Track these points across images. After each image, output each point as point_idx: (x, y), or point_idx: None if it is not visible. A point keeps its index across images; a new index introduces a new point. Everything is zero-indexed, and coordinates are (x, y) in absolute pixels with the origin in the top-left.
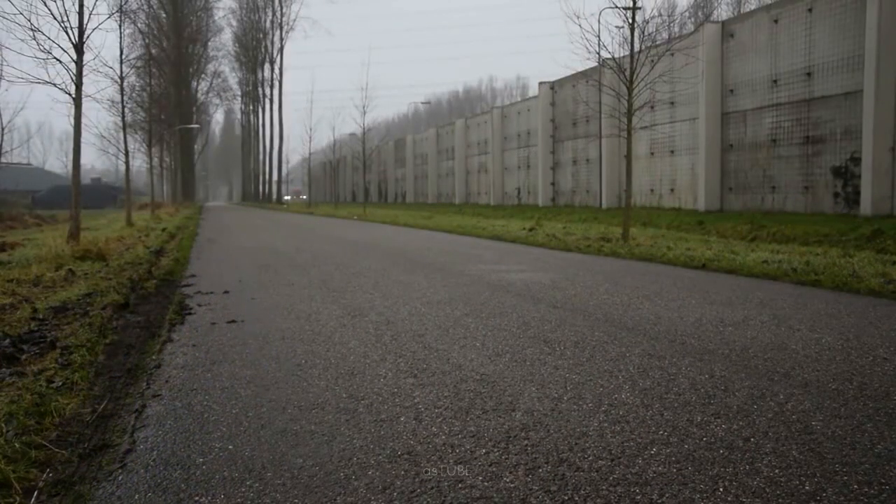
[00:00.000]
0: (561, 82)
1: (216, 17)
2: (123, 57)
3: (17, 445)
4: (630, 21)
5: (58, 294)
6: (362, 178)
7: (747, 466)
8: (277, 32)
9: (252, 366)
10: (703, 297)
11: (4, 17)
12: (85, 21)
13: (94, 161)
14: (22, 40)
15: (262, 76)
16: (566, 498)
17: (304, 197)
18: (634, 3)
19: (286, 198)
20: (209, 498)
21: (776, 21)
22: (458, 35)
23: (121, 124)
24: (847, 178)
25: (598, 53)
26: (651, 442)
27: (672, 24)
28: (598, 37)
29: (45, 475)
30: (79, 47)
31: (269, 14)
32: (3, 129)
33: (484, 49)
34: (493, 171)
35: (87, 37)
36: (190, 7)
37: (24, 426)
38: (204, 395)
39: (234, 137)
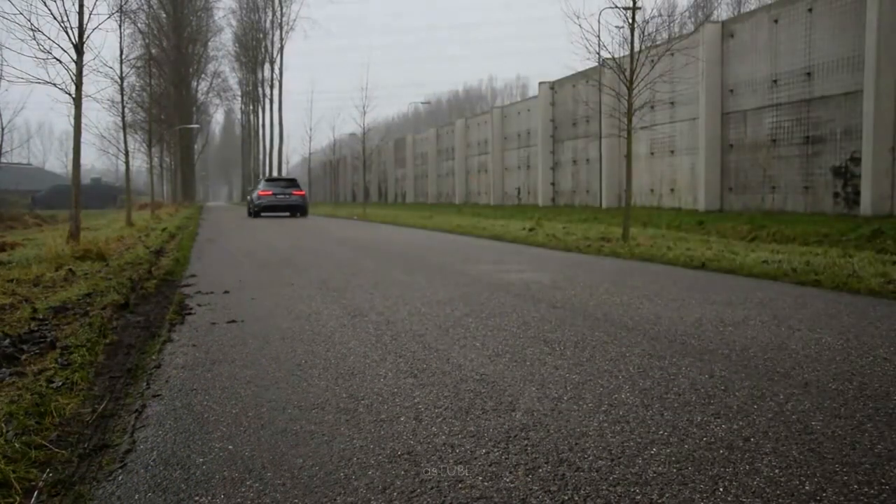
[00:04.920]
0: (561, 82)
1: (216, 17)
2: (123, 57)
3: (17, 445)
4: (630, 21)
5: (58, 294)
6: (362, 178)
7: (747, 466)
8: (277, 32)
9: (252, 366)
10: (703, 297)
11: (4, 17)
12: (85, 21)
13: (94, 161)
14: (22, 40)
15: (262, 76)
16: (566, 498)
17: None
18: (634, 3)
19: None
20: (209, 498)
21: (776, 21)
22: (458, 35)
23: (121, 124)
24: (847, 178)
25: (598, 53)
26: (651, 442)
27: (672, 24)
28: (598, 37)
29: (45, 475)
30: (79, 47)
31: (269, 14)
32: (3, 129)
33: (484, 49)
34: (493, 171)
35: (87, 37)
36: (190, 7)
37: (24, 426)
38: (204, 395)
39: (234, 137)
